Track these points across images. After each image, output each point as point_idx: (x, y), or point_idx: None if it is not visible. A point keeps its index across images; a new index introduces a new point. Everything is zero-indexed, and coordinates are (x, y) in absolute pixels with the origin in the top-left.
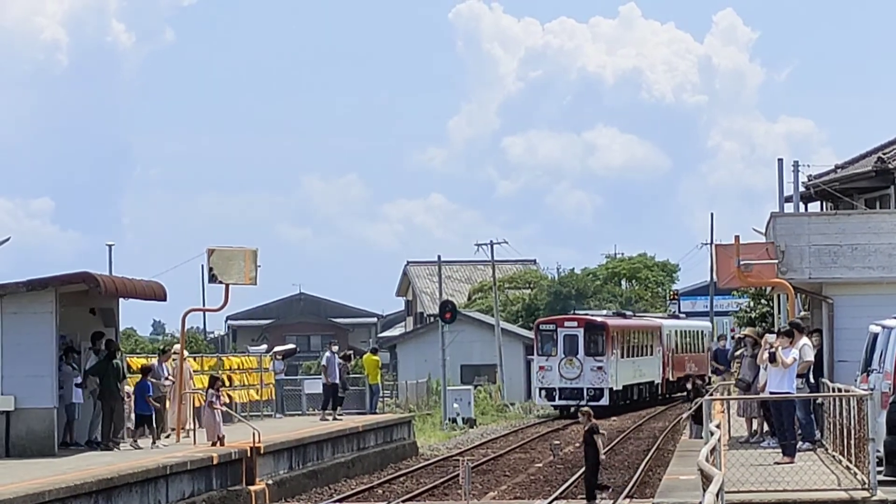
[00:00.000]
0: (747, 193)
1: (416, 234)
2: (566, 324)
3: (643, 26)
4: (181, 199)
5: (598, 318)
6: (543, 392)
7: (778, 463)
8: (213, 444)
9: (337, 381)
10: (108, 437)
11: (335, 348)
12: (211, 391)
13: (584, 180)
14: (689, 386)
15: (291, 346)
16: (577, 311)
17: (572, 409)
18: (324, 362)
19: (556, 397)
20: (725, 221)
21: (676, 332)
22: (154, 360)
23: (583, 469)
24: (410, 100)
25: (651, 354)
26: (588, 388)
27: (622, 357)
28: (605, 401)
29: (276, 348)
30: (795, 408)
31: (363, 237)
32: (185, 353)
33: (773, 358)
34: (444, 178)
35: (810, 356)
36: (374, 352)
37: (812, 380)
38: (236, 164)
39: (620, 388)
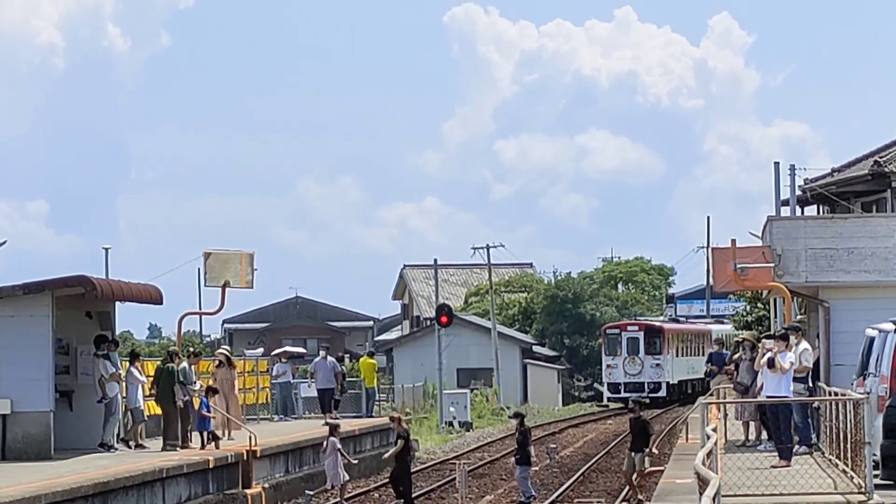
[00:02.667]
0: (742, 197)
1: (412, 237)
2: (629, 328)
3: (639, 30)
4: (177, 203)
5: (656, 323)
6: (610, 386)
7: (774, 466)
8: (204, 447)
9: (329, 385)
10: (166, 439)
11: (323, 352)
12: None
13: (580, 183)
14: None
15: (301, 349)
16: (637, 318)
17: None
18: (311, 368)
19: (622, 391)
20: (720, 225)
21: (723, 335)
22: (185, 363)
23: (579, 473)
24: (405, 103)
25: (702, 354)
26: (648, 383)
27: (677, 356)
28: (662, 393)
29: (280, 349)
30: (792, 412)
31: (359, 240)
32: (229, 354)
33: (771, 363)
34: (440, 181)
35: (810, 361)
36: (371, 355)
37: (810, 384)
38: (232, 167)
39: (676, 382)
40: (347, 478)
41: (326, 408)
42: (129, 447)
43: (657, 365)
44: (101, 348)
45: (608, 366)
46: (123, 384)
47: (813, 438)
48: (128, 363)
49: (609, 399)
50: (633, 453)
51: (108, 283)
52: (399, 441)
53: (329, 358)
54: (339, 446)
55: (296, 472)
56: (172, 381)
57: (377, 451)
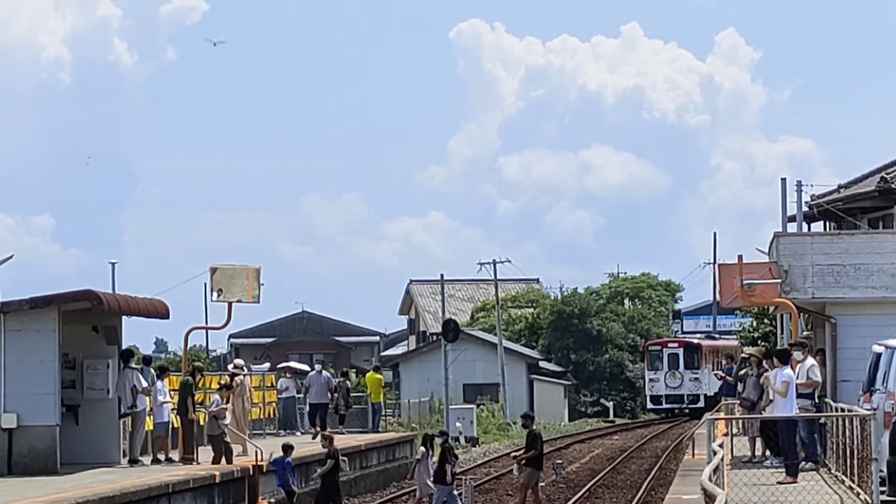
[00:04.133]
0: (748, 213)
1: (417, 252)
2: (669, 345)
3: (645, 46)
4: (183, 217)
5: (694, 340)
6: (652, 398)
7: (781, 483)
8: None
9: (323, 400)
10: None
11: (318, 367)
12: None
13: (585, 199)
14: None
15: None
16: (677, 335)
17: (675, 412)
18: (306, 382)
19: (663, 402)
20: (726, 241)
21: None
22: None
23: (585, 489)
24: (411, 119)
25: None
26: (687, 395)
27: (713, 370)
28: (701, 404)
29: (285, 364)
30: (797, 427)
31: (365, 256)
32: (245, 369)
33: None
34: (445, 196)
35: (818, 377)
36: (377, 370)
37: (816, 399)
38: (238, 182)
39: (712, 394)
40: (433, 490)
41: (319, 423)
42: (160, 461)
43: (695, 378)
44: (130, 363)
45: (650, 379)
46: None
47: (819, 454)
48: (156, 377)
49: (650, 410)
50: (526, 467)
51: (115, 298)
52: (328, 461)
53: (324, 372)
54: (430, 459)
55: (302, 487)
56: (186, 394)
57: (383, 467)
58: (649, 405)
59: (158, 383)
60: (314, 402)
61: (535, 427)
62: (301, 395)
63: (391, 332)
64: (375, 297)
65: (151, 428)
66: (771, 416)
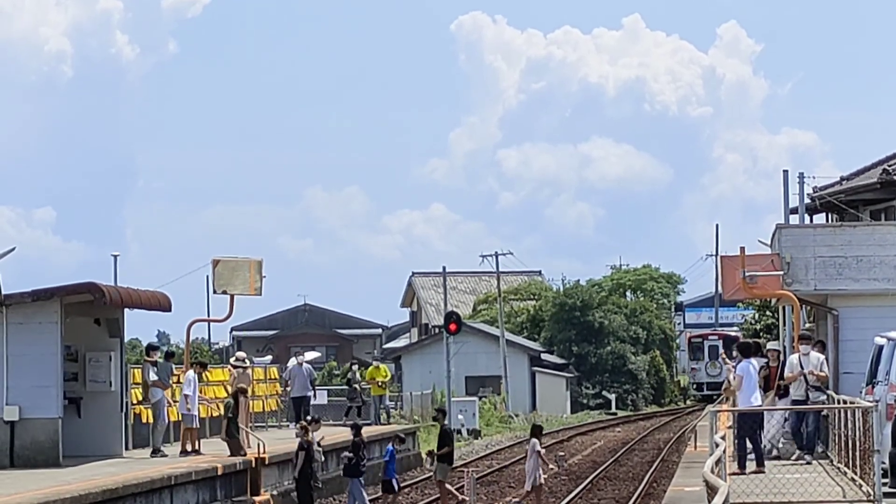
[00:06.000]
0: (749, 205)
1: (418, 245)
2: (710, 337)
3: (647, 38)
4: (185, 210)
5: (732, 333)
6: (695, 385)
7: (732, 474)
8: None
9: (305, 393)
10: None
11: (300, 358)
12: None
13: (587, 192)
14: None
15: (316, 353)
16: (716, 329)
17: (714, 398)
18: (286, 375)
19: (704, 389)
20: (727, 233)
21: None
22: (190, 371)
23: (587, 481)
24: (412, 111)
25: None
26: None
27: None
28: None
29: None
30: (753, 421)
31: (366, 248)
32: (248, 362)
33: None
34: (446, 189)
35: (826, 371)
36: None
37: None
38: (240, 175)
39: None
40: (542, 481)
41: (300, 416)
42: (187, 453)
43: None
44: (150, 356)
45: (693, 368)
46: (169, 391)
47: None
48: (186, 370)
49: (693, 395)
50: (439, 462)
51: (117, 291)
52: (300, 452)
53: (305, 364)
54: (538, 449)
55: (326, 474)
56: (227, 415)
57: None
58: (692, 391)
59: (189, 373)
60: (296, 395)
61: (446, 423)
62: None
63: (393, 324)
64: (377, 289)
65: (178, 418)
66: (772, 407)
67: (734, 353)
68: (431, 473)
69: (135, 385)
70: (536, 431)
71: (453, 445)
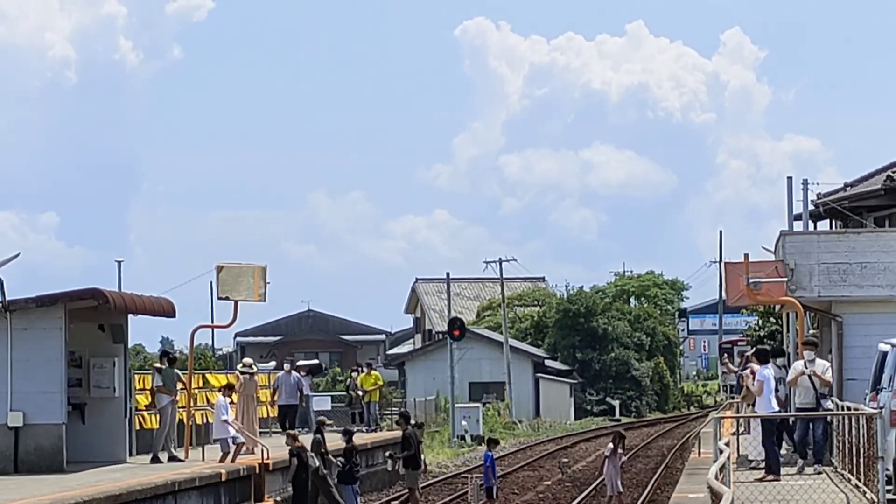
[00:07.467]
0: (752, 211)
1: (422, 250)
2: (739, 343)
3: (650, 44)
4: (189, 216)
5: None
6: (725, 387)
7: (760, 480)
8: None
9: (292, 402)
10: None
11: (287, 367)
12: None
13: (590, 198)
14: None
15: (316, 361)
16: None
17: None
18: (274, 383)
19: (732, 391)
20: (731, 239)
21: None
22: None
23: (591, 487)
24: (416, 117)
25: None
26: None
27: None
28: None
29: (300, 363)
30: (774, 428)
31: (370, 254)
32: (254, 367)
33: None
34: (450, 195)
35: (829, 376)
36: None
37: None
38: (244, 180)
39: None
40: (620, 490)
41: (286, 425)
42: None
43: None
44: (161, 362)
45: (723, 373)
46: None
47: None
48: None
49: (724, 398)
50: (408, 469)
51: (121, 296)
52: (292, 459)
53: (293, 373)
54: (620, 452)
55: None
56: (317, 450)
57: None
58: (722, 394)
59: (220, 398)
60: (283, 403)
61: (408, 427)
62: (309, 394)
63: (397, 330)
64: (381, 295)
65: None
66: (777, 414)
67: (738, 359)
68: (405, 479)
69: (139, 391)
70: (617, 438)
71: (418, 450)
